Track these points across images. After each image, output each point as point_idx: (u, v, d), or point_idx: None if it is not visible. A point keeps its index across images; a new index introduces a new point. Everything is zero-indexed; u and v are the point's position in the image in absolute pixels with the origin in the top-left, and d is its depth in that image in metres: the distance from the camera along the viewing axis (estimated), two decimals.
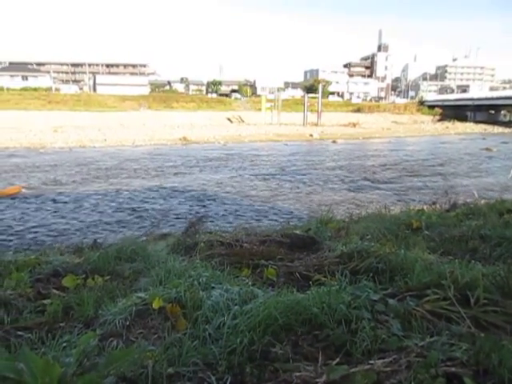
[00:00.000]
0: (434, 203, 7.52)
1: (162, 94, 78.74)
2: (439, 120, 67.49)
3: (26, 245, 6.44)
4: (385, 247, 3.57)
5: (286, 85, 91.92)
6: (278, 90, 71.82)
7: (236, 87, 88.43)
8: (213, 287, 2.87)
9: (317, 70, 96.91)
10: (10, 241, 6.88)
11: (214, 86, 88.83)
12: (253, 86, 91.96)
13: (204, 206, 10.47)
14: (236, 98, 75.51)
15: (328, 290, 2.55)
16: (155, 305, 2.65)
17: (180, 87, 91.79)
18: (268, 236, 4.83)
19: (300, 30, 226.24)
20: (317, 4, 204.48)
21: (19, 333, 2.51)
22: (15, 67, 79.85)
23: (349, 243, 3.95)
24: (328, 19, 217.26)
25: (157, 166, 17.66)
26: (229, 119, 59.05)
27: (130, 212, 9.61)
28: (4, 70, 78.13)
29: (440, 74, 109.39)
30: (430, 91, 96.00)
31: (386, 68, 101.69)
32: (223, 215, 9.56)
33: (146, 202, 10.68)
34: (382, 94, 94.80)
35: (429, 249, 3.92)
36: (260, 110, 60.01)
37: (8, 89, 66.51)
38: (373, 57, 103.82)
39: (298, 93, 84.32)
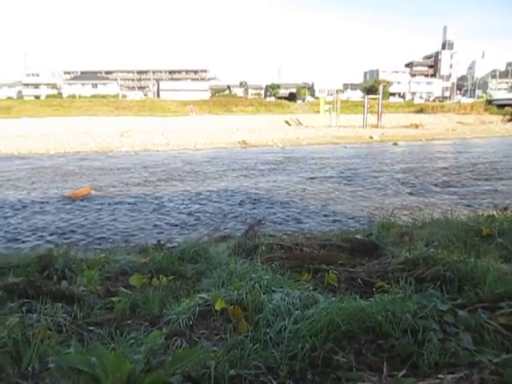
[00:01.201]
0: (505, 209, 7.07)
1: (222, 98, 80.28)
2: (510, 120, 63.41)
3: (96, 243, 6.81)
4: (453, 255, 3.40)
5: (345, 86, 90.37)
6: (337, 92, 70.80)
7: (294, 90, 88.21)
8: (273, 291, 2.87)
9: (377, 71, 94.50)
10: (83, 240, 7.30)
11: (272, 89, 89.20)
12: (311, 89, 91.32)
13: (262, 209, 10.53)
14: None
15: (392, 298, 2.46)
16: (217, 306, 2.69)
17: (239, 91, 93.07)
18: (328, 240, 4.76)
19: (360, 30, 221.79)
20: (378, 3, 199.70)
21: (90, 328, 2.64)
22: (86, 76, 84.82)
23: (413, 249, 3.80)
24: (389, 18, 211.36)
25: (216, 169, 18.01)
26: (287, 122, 59.06)
27: (191, 214, 9.86)
28: (76, 78, 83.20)
29: (511, 71, 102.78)
30: (500, 89, 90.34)
31: (450, 66, 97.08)
32: (282, 218, 9.56)
33: (206, 205, 10.91)
34: (447, 94, 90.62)
35: (502, 258, 3.68)
36: (318, 112, 59.45)
37: (80, 96, 70.84)
38: (437, 55, 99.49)
39: (358, 94, 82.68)
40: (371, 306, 2.42)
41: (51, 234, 7.81)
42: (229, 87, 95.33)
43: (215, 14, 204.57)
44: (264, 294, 2.85)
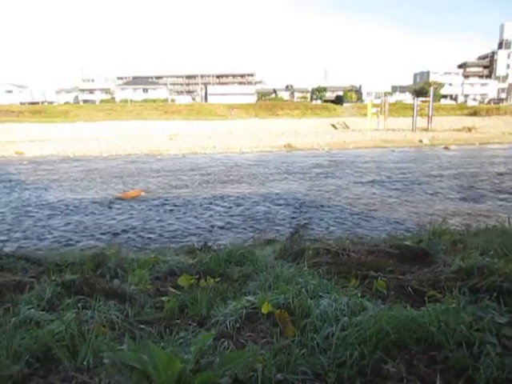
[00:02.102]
0: None
1: (268, 102, 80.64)
2: None
3: (146, 244, 7.02)
4: (511, 265, 3.24)
5: (394, 89, 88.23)
6: (385, 95, 69.25)
7: (341, 93, 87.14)
8: (320, 296, 2.85)
9: (427, 72, 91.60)
10: (133, 240, 7.54)
11: (318, 92, 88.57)
12: (358, 91, 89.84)
13: (307, 213, 10.46)
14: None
15: (446, 308, 2.38)
16: (264, 309, 2.70)
17: (285, 95, 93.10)
18: (376, 246, 4.66)
19: (410, 30, 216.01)
20: (428, 3, 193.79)
21: (141, 326, 2.72)
22: (137, 81, 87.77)
23: (467, 258, 3.65)
24: (440, 18, 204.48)
25: (262, 172, 18.08)
26: (333, 125, 58.42)
27: (237, 216, 9.95)
28: (128, 83, 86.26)
29: None
30: None
31: (507, 66, 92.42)
32: (327, 222, 9.45)
33: (252, 207, 10.97)
34: (503, 96, 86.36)
35: None
36: (365, 115, 58.38)
37: (131, 101, 73.39)
38: (492, 55, 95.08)
39: (407, 97, 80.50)
40: (423, 315, 2.35)
41: (103, 234, 8.12)
42: (275, 91, 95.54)
43: (262, 17, 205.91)
44: (311, 298, 2.83)
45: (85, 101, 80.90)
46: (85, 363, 2.24)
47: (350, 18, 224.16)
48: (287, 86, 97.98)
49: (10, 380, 2.16)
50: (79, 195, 12.91)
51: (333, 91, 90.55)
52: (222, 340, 2.43)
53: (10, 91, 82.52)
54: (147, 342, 1.82)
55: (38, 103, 77.58)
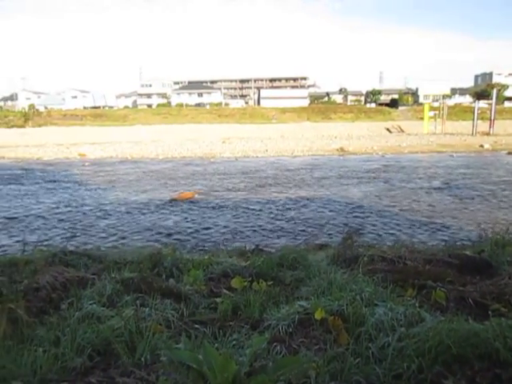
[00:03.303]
0: None
1: (321, 105, 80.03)
2: None
3: (200, 245, 7.16)
4: None
5: (453, 91, 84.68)
6: (444, 97, 66.68)
7: (396, 96, 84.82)
8: (376, 304, 2.79)
9: (490, 74, 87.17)
10: (187, 240, 7.72)
11: (372, 95, 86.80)
12: (414, 94, 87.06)
13: (360, 218, 10.24)
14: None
15: None
16: (317, 315, 2.68)
17: (338, 98, 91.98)
18: (433, 255, 4.49)
19: (472, 31, 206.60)
20: (488, 2, 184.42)
21: (196, 326, 2.79)
22: (193, 86, 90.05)
23: None
24: (504, 17, 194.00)
25: (314, 176, 17.93)
26: (388, 129, 57.00)
27: (289, 220, 9.92)
28: (184, 88, 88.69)
29: None
30: None
31: None
32: (380, 228, 9.20)
33: (304, 212, 10.90)
34: None
35: None
36: (422, 119, 56.44)
37: (186, 105, 75.41)
38: None
39: (467, 99, 77.02)
40: (486, 330, 2.23)
41: (158, 233, 8.37)
42: (328, 94, 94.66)
43: (316, 20, 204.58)
44: (366, 306, 2.77)
45: (143, 105, 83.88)
46: (142, 359, 2.32)
47: (406, 19, 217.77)
48: (341, 89, 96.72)
49: (74, 371, 2.28)
50: (136, 196, 13.41)
51: (388, 94, 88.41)
52: (275, 344, 2.44)
53: (74, 96, 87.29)
54: (205, 343, 1.85)
55: (99, 107, 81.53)
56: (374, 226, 9.43)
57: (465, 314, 2.65)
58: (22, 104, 77.96)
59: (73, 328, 2.57)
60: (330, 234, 8.63)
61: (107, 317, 2.67)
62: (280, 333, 2.60)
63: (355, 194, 13.55)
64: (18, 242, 7.69)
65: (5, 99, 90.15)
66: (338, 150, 31.66)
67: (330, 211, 10.99)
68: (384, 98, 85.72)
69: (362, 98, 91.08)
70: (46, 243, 7.32)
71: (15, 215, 10.70)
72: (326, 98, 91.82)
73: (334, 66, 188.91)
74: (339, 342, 2.47)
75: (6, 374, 2.25)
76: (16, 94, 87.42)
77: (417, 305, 2.82)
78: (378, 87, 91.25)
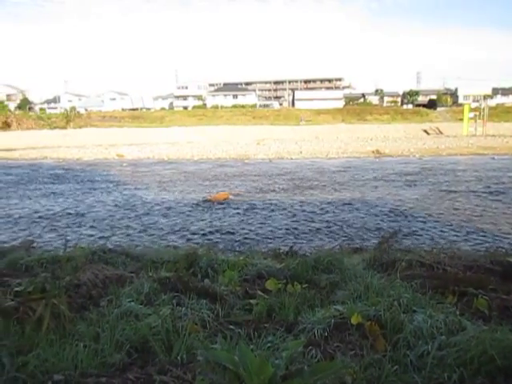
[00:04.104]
0: None
1: (356, 106, 79.00)
2: None
3: (235, 246, 7.20)
4: None
5: (495, 91, 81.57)
6: (485, 98, 64.39)
7: (434, 97, 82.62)
8: (414, 311, 2.72)
9: None
10: (221, 241, 7.79)
11: (410, 96, 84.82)
12: (453, 95, 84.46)
13: (396, 222, 10.03)
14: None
15: None
16: (353, 320, 2.64)
17: (374, 99, 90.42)
18: (475, 261, 4.34)
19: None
20: None
21: (231, 326, 2.80)
22: (228, 87, 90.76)
23: None
24: None
25: (348, 179, 17.71)
26: (425, 131, 55.56)
27: (323, 222, 9.84)
28: (219, 90, 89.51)
29: None
30: None
31: None
32: (417, 232, 8.99)
33: (337, 214, 10.79)
34: None
35: None
36: (461, 120, 54.71)
37: (222, 106, 76.09)
38: None
39: (510, 100, 74.13)
40: None
41: (194, 234, 8.49)
42: (363, 95, 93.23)
43: (352, 21, 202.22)
44: (404, 313, 2.71)
45: (179, 107, 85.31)
46: (179, 358, 2.35)
47: (444, 18, 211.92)
48: (377, 91, 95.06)
49: (113, 367, 2.33)
50: (172, 196, 13.63)
51: (425, 95, 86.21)
52: (310, 348, 2.41)
53: (113, 98, 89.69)
54: (241, 344, 1.86)
55: (137, 109, 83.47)
56: (410, 229, 9.22)
57: (509, 324, 2.54)
58: (64, 106, 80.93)
59: (112, 325, 2.63)
60: (365, 238, 8.50)
61: (145, 315, 2.72)
62: (315, 337, 2.58)
63: (391, 197, 13.29)
64: (59, 237, 7.98)
65: (48, 102, 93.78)
66: (373, 152, 31.13)
67: (365, 214, 10.82)
68: (421, 99, 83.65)
69: (399, 99, 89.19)
70: (84, 241, 7.56)
71: (55, 213, 11.11)
72: (362, 100, 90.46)
73: (370, 67, 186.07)
74: (376, 348, 2.43)
75: (49, 366, 2.33)
76: (58, 97, 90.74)
77: (457, 313, 2.73)
78: (415, 88, 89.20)
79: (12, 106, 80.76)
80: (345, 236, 8.53)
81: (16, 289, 3.24)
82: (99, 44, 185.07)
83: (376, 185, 16.13)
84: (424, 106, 77.35)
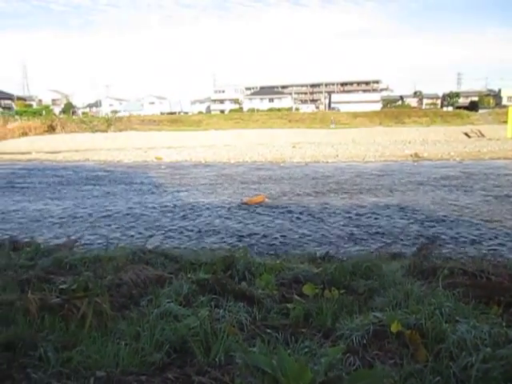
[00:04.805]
0: None
1: (394, 109, 77.54)
2: None
3: (270, 249, 7.21)
4: None
5: None
6: None
7: (476, 98, 79.91)
8: (457, 321, 2.64)
9: None
10: (256, 244, 7.81)
11: (450, 98, 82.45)
12: (497, 96, 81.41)
13: (435, 228, 9.75)
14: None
15: None
16: (393, 328, 2.59)
17: (413, 101, 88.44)
18: None
19: None
20: None
21: (268, 330, 2.80)
22: (264, 91, 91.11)
23: None
24: None
25: (386, 183, 17.37)
26: (466, 134, 53.75)
27: (359, 227, 9.69)
28: (255, 93, 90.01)
29: None
30: None
31: None
32: (457, 240, 8.70)
33: (374, 219, 10.60)
34: None
35: None
36: (505, 122, 52.58)
37: (258, 110, 76.44)
38: None
39: None
40: None
41: (230, 236, 8.55)
42: (401, 97, 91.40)
43: (389, 22, 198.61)
44: (446, 322, 2.63)
45: (216, 110, 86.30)
46: (217, 360, 2.37)
47: (486, 17, 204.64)
48: (415, 93, 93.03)
49: (153, 366, 2.38)
50: (209, 198, 13.80)
51: (466, 97, 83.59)
52: (348, 355, 2.38)
53: (152, 103, 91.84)
54: (278, 347, 1.86)
55: (175, 113, 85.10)
56: (450, 236, 8.94)
57: None
58: (105, 110, 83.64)
59: (152, 324, 2.69)
60: (403, 244, 8.31)
61: (184, 316, 2.77)
62: (353, 344, 2.54)
63: (430, 202, 12.93)
64: (100, 237, 8.24)
65: (90, 105, 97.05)
66: (411, 155, 30.40)
67: (403, 219, 10.57)
68: (462, 101, 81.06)
69: (438, 102, 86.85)
70: (124, 241, 7.76)
71: (96, 213, 11.46)
72: (400, 102, 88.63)
73: (409, 69, 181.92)
74: (417, 357, 2.37)
75: (92, 363, 2.41)
76: (100, 101, 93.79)
77: (503, 324, 2.63)
78: (455, 89, 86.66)
79: (57, 110, 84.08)
80: (382, 242, 8.36)
81: (61, 286, 3.38)
82: (140, 50, 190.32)
83: (414, 189, 15.74)
84: (465, 108, 74.97)
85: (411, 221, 10.40)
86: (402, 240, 8.66)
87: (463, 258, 5.38)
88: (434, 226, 9.84)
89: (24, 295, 3.03)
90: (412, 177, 19.45)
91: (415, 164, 26.11)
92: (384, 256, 5.66)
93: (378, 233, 9.25)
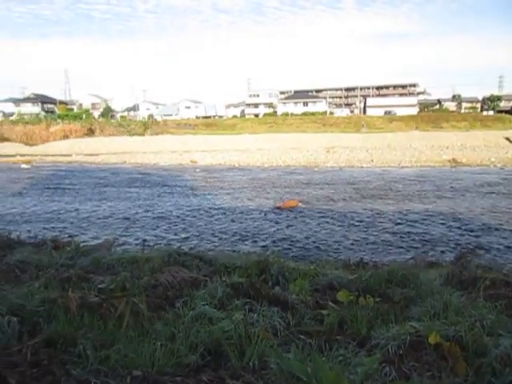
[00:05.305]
0: None
1: (431, 113, 75.61)
2: None
3: (305, 254, 7.18)
4: None
5: None
6: None
7: None
8: (500, 334, 2.53)
9: None
10: (290, 248, 7.79)
11: (490, 101, 79.66)
12: None
13: (474, 236, 9.44)
14: None
15: None
16: (431, 339, 2.51)
17: (451, 105, 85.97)
18: None
19: None
20: None
21: (301, 336, 2.78)
22: (298, 95, 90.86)
23: None
24: None
25: (422, 189, 16.97)
26: (507, 139, 51.71)
27: (394, 233, 9.52)
28: (289, 98, 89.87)
29: None
30: None
31: None
32: (498, 249, 8.40)
33: (410, 226, 10.37)
34: None
35: None
36: None
37: (292, 114, 76.31)
38: None
39: None
40: None
41: (263, 240, 8.57)
42: (439, 101, 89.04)
43: (428, 23, 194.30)
44: (487, 335, 2.53)
45: (250, 114, 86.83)
46: (251, 364, 2.37)
47: None
48: (454, 96, 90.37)
49: (187, 368, 2.41)
50: (242, 202, 13.88)
51: (508, 100, 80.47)
52: (384, 365, 2.33)
53: (188, 107, 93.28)
54: (315, 355, 1.84)
55: (210, 117, 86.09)
56: (490, 244, 8.64)
57: None
58: (142, 114, 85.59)
59: (187, 326, 2.72)
60: (441, 252, 8.09)
61: (218, 319, 2.78)
62: (389, 354, 2.49)
63: (469, 210, 12.53)
64: (137, 238, 8.43)
65: (128, 110, 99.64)
66: (449, 161, 29.60)
67: (441, 227, 10.30)
68: (504, 105, 78.18)
69: (478, 105, 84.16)
70: (160, 242, 7.91)
71: (133, 214, 11.75)
72: (438, 106, 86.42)
73: (447, 72, 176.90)
74: (456, 371, 2.29)
75: (128, 362, 2.46)
76: (137, 105, 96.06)
77: None
78: (496, 93, 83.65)
79: (96, 113, 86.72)
80: (418, 249, 8.17)
81: (99, 286, 3.46)
82: (176, 54, 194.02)
83: (452, 196, 15.30)
84: (507, 112, 72.24)
85: (450, 228, 10.12)
86: (440, 247, 8.44)
87: (505, 268, 5.18)
88: (475, 234, 9.54)
89: (65, 293, 3.13)
90: (450, 183, 18.92)
91: (453, 170, 25.41)
92: (421, 264, 5.52)
93: (414, 240, 9.05)
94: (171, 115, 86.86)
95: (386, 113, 73.41)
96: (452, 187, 17.60)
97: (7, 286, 3.46)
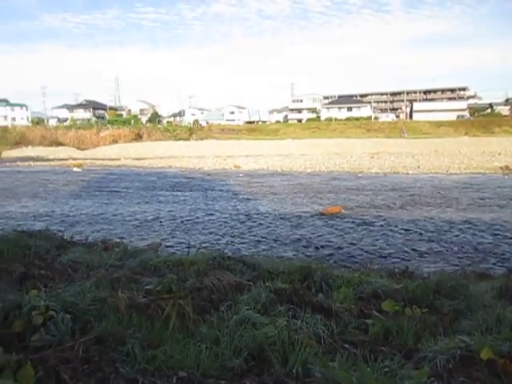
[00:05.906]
0: None
1: (482, 118, 72.52)
2: None
3: (348, 261, 7.08)
4: None
5: None
6: None
7: None
8: None
9: None
10: (332, 255, 7.70)
11: None
12: None
13: None
14: None
15: None
16: (483, 355, 2.41)
17: (504, 110, 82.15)
18: None
19: None
20: None
21: (345, 345, 2.75)
22: (342, 100, 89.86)
23: None
24: None
25: (471, 197, 16.30)
26: None
27: (440, 242, 9.21)
28: (333, 103, 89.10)
29: None
30: None
31: None
32: None
33: (457, 235, 10.00)
34: None
35: None
36: None
37: (335, 119, 75.54)
38: None
39: None
40: None
41: (305, 247, 8.52)
42: (491, 105, 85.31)
43: (476, 25, 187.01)
44: None
45: (293, 120, 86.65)
46: (294, 371, 2.37)
47: None
48: (507, 100, 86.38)
49: (232, 372, 2.43)
50: (285, 207, 13.86)
51: None
52: (432, 379, 2.26)
53: (232, 112, 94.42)
54: (361, 366, 1.82)
55: (253, 122, 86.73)
56: None
57: None
58: (187, 119, 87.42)
59: (231, 330, 2.75)
60: (491, 263, 7.75)
61: (262, 324, 2.80)
62: (438, 368, 2.41)
63: None
64: (181, 241, 8.61)
65: (174, 115, 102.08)
66: (501, 168, 28.25)
67: (491, 237, 9.85)
68: None
69: None
70: (204, 246, 8.03)
71: (178, 218, 12.00)
72: (489, 110, 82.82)
73: (500, 75, 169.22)
74: None
75: (174, 363, 2.51)
76: (183, 111, 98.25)
77: None
78: None
79: (144, 119, 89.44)
80: (466, 259, 7.86)
81: (147, 287, 3.56)
82: (221, 61, 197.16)
83: (504, 205, 14.59)
84: None
85: (502, 240, 9.66)
86: (490, 258, 8.08)
87: None
88: None
89: (114, 293, 3.24)
90: (502, 191, 18.06)
91: (506, 177, 24.24)
92: (470, 275, 5.31)
93: (461, 251, 8.71)
94: (216, 120, 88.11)
95: (458, 117, 70.70)
96: (505, 195, 16.79)
97: (61, 285, 3.62)
